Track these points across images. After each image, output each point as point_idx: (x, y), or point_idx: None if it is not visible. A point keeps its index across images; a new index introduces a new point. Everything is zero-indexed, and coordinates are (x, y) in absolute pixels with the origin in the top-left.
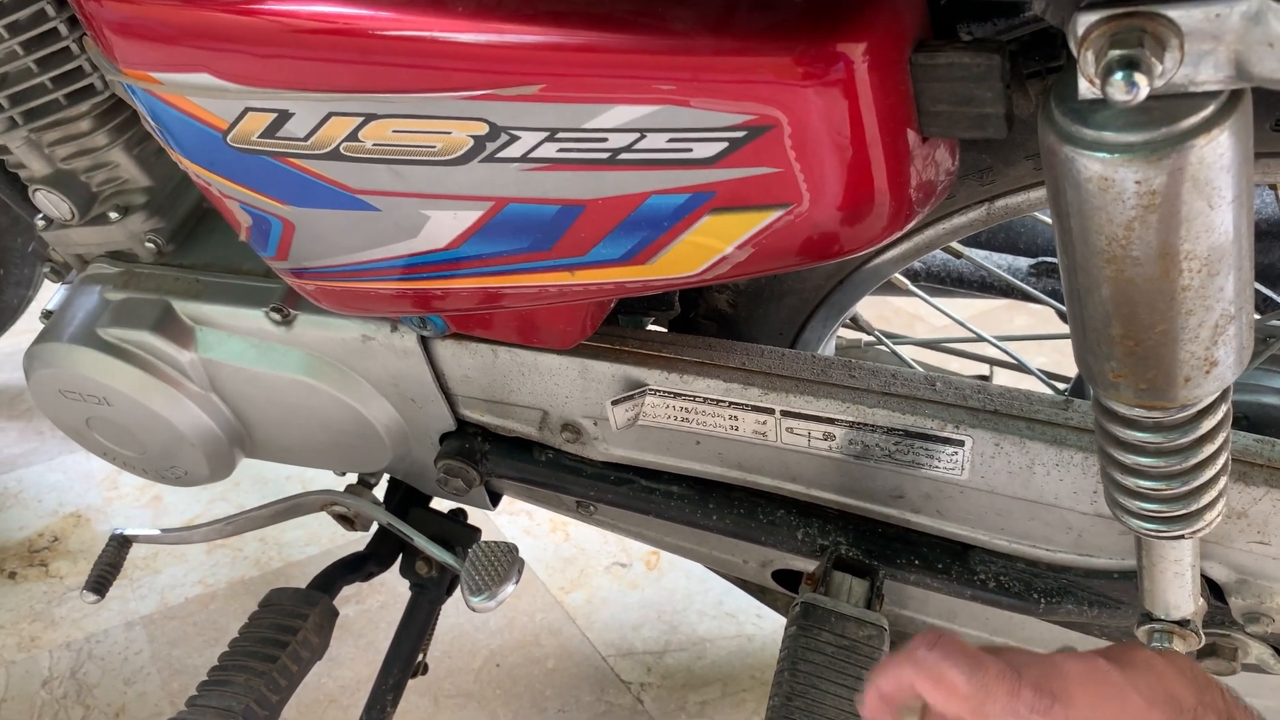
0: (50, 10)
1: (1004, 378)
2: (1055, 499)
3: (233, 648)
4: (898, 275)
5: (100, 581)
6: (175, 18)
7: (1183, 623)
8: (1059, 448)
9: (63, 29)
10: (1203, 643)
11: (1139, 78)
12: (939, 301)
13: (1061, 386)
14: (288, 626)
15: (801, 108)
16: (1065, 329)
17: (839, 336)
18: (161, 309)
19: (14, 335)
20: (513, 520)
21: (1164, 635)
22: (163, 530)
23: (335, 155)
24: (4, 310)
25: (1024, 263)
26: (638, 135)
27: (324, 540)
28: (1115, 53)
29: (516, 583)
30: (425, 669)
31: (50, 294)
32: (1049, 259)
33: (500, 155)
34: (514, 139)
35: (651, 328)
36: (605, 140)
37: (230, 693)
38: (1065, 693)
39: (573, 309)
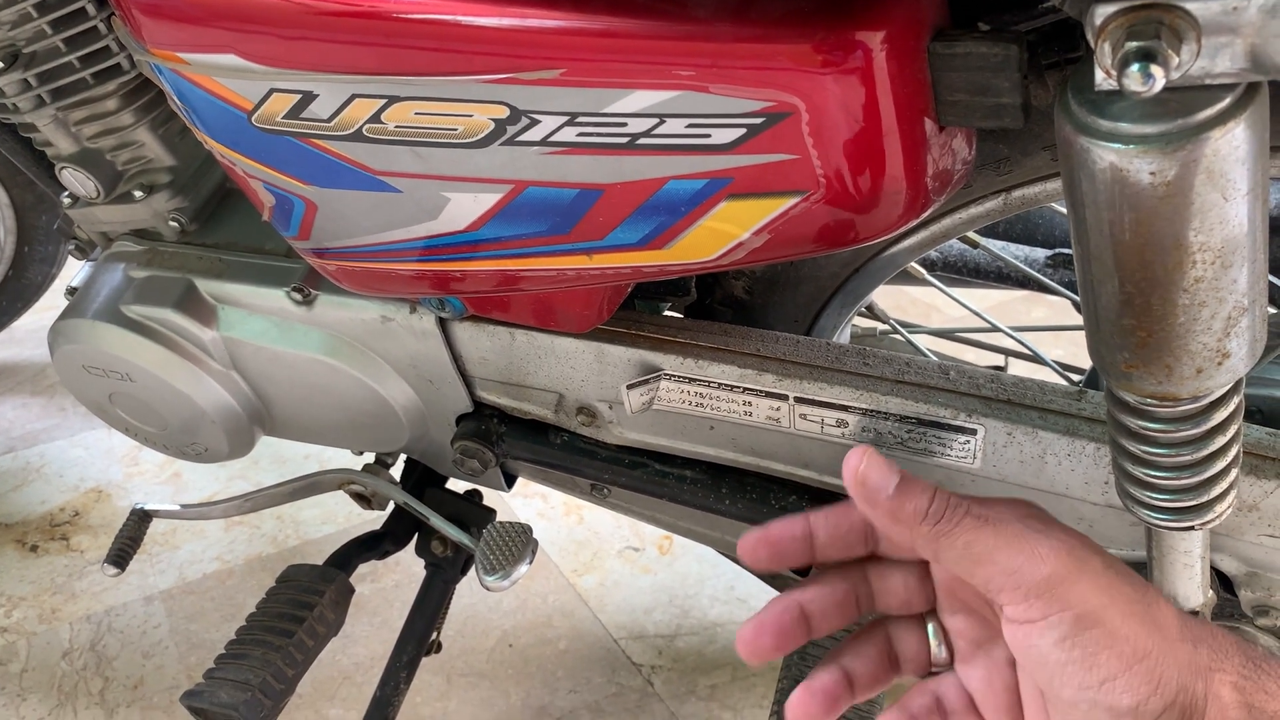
0: None
1: (1019, 369)
2: (1066, 489)
3: (250, 622)
4: (914, 264)
5: (121, 555)
6: None
7: (1192, 614)
8: (1071, 438)
9: (90, 8)
10: None
11: (1155, 70)
12: (955, 291)
13: (1076, 378)
14: (304, 602)
15: (819, 95)
16: (1081, 321)
17: (854, 325)
18: (184, 287)
19: (37, 312)
20: (527, 503)
21: None
22: (182, 506)
23: (358, 137)
24: (28, 287)
25: (1041, 254)
26: (657, 120)
27: (340, 519)
28: (1132, 44)
29: (530, 563)
30: (439, 647)
31: (74, 271)
32: (1066, 250)
33: (520, 138)
34: (534, 122)
35: (667, 313)
36: (625, 125)
37: (247, 666)
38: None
39: (590, 293)
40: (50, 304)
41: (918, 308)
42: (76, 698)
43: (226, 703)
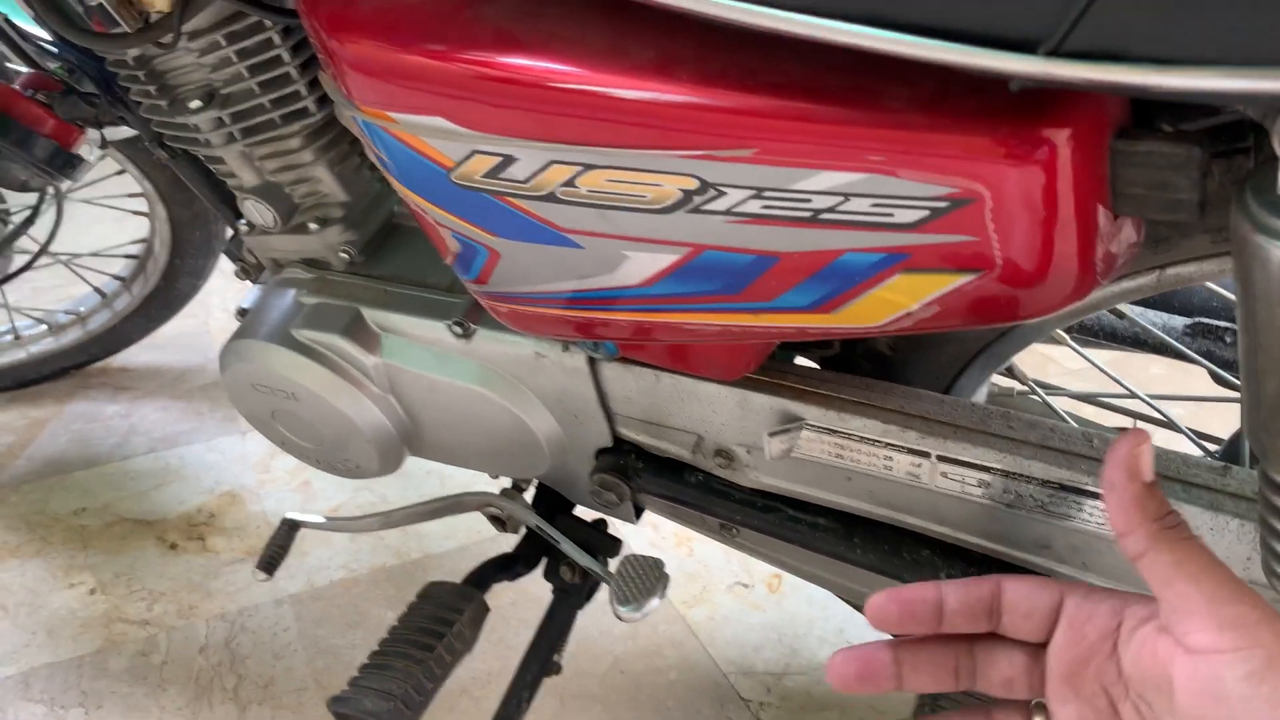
0: (276, 39)
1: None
2: None
3: (393, 635)
4: None
5: (270, 561)
6: (419, 65)
7: None
8: (1214, 512)
9: (285, 56)
10: None
11: None
12: (1087, 352)
13: (1212, 447)
14: (445, 619)
15: (1004, 184)
16: (1218, 390)
17: (992, 383)
18: (352, 315)
19: (179, 319)
20: (638, 532)
21: None
22: (328, 518)
23: (550, 198)
24: (176, 297)
25: (1179, 322)
26: (841, 199)
27: (460, 535)
28: None
29: (662, 597)
30: (559, 669)
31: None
32: (1205, 320)
33: (706, 208)
34: (721, 194)
35: (806, 362)
36: (809, 201)
37: (390, 677)
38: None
39: (743, 345)
40: (190, 312)
41: (1034, 359)
42: (212, 692)
43: (372, 710)
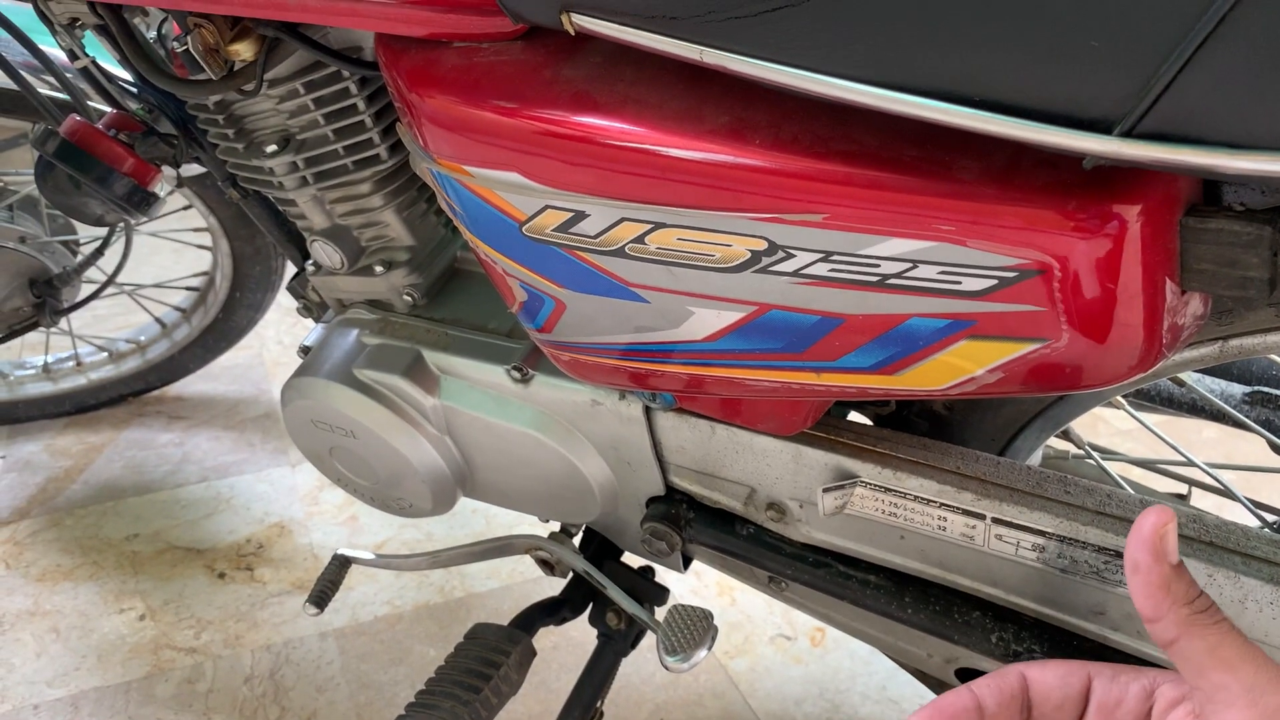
0: (353, 89)
1: (1199, 498)
2: (1265, 636)
3: (439, 675)
4: None
5: (322, 596)
6: (496, 122)
7: None
8: (1275, 586)
9: (361, 105)
10: None
11: None
12: (1141, 415)
13: (1270, 518)
14: (492, 660)
15: (1074, 258)
16: (1275, 460)
17: (1047, 445)
18: (413, 357)
19: (234, 351)
20: (681, 580)
21: None
22: (379, 556)
23: (619, 253)
24: (233, 329)
25: (1238, 389)
26: (910, 265)
27: (504, 576)
28: None
29: (710, 649)
30: (601, 715)
31: (277, 320)
32: (1264, 389)
33: (773, 269)
34: (789, 256)
35: (860, 418)
36: (878, 266)
37: (438, 716)
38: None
39: (801, 401)
40: (246, 345)
41: (1085, 419)
42: None
43: None
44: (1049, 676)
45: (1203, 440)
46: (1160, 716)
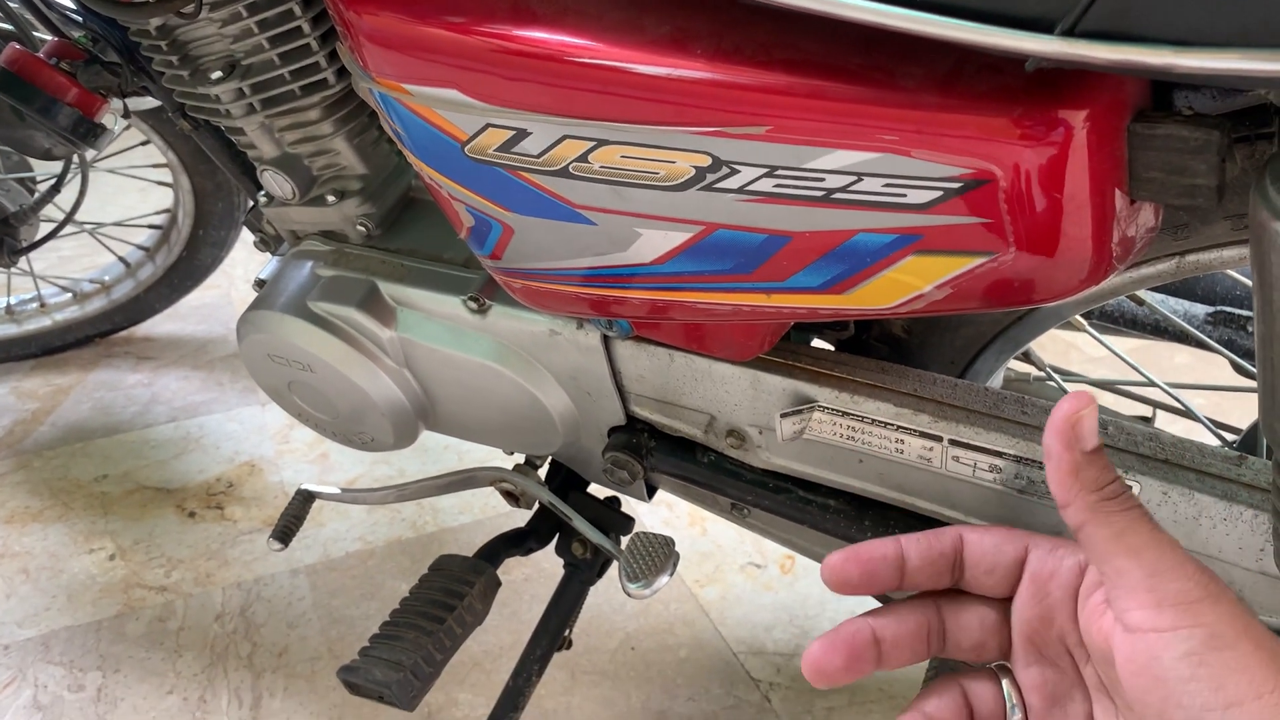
0: (297, 10)
1: (1164, 420)
2: (1219, 552)
3: (404, 606)
4: None
5: (285, 532)
6: (434, 37)
7: None
8: (1228, 502)
9: (306, 27)
10: None
11: None
12: (1107, 339)
13: (1230, 436)
14: (456, 591)
15: (1019, 166)
16: (1237, 380)
17: (1008, 369)
18: (368, 288)
19: (201, 290)
20: (653, 511)
21: None
22: (343, 490)
23: (563, 173)
24: (198, 267)
25: (1200, 310)
26: (855, 178)
27: (476, 510)
28: None
29: (671, 575)
30: (570, 644)
31: (241, 254)
32: (1227, 309)
33: (718, 186)
34: (734, 172)
35: (821, 345)
36: (822, 180)
37: (400, 647)
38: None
39: (756, 325)
40: (213, 283)
41: (1056, 344)
42: (227, 659)
43: (381, 680)
44: (986, 541)
45: (1175, 365)
46: (1084, 595)
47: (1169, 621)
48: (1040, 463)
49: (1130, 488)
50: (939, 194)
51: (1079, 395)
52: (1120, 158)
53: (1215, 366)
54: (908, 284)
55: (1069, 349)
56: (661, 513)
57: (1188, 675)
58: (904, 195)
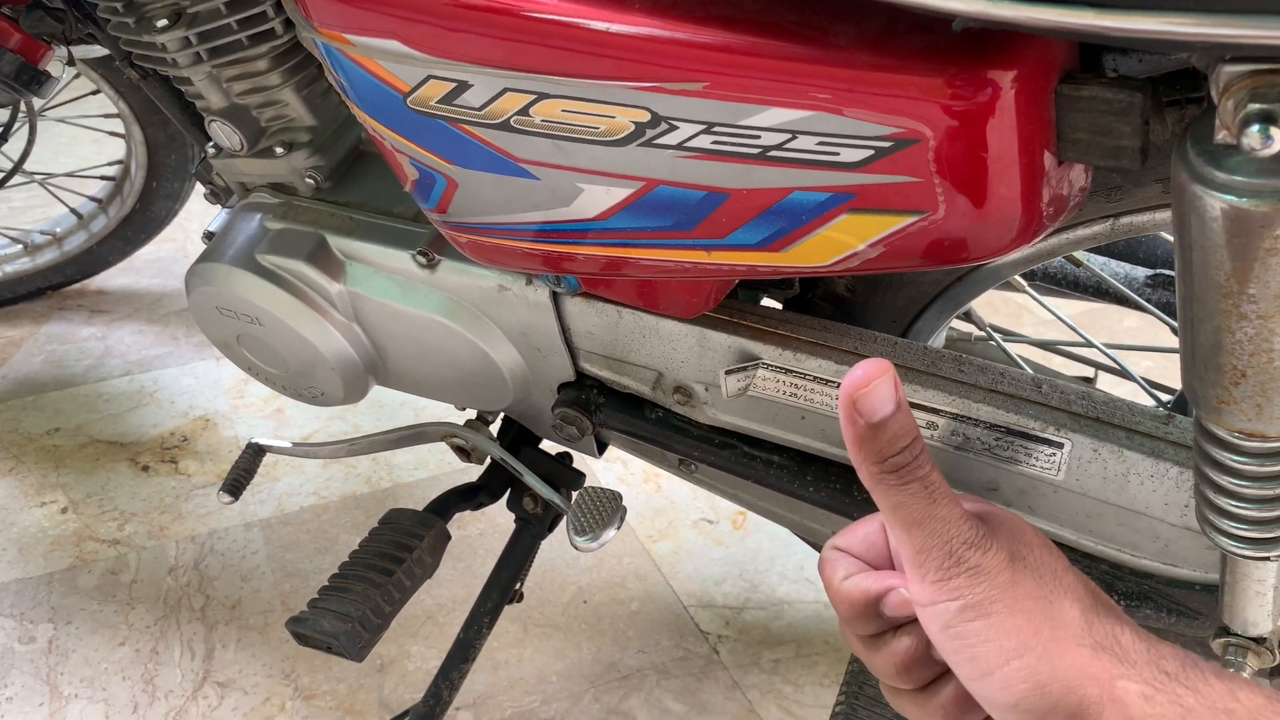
0: None
1: (1106, 382)
2: (1146, 508)
3: (353, 559)
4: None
5: (235, 484)
6: None
7: (1259, 640)
8: (1156, 460)
9: None
10: (1276, 661)
11: (1275, 132)
12: (1050, 301)
13: (1165, 397)
14: (405, 544)
15: (948, 126)
16: (1175, 342)
17: (950, 328)
18: (316, 242)
19: (156, 243)
20: (608, 467)
21: (1239, 650)
22: (294, 444)
23: (505, 126)
24: (152, 220)
25: (1141, 273)
26: (789, 136)
27: (431, 466)
28: (1254, 106)
29: (618, 528)
30: (521, 597)
31: (196, 208)
32: (1166, 272)
33: (657, 141)
34: (672, 128)
35: (768, 303)
36: (758, 138)
37: (348, 599)
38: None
39: (700, 282)
40: (168, 236)
41: (1009, 307)
42: (179, 611)
43: (329, 631)
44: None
45: (1125, 328)
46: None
47: (929, 596)
48: (976, 420)
49: (922, 456)
50: (871, 152)
51: (871, 364)
52: (1048, 118)
53: (1163, 330)
54: (842, 242)
55: (1021, 311)
56: (616, 469)
57: (949, 648)
58: (837, 154)
